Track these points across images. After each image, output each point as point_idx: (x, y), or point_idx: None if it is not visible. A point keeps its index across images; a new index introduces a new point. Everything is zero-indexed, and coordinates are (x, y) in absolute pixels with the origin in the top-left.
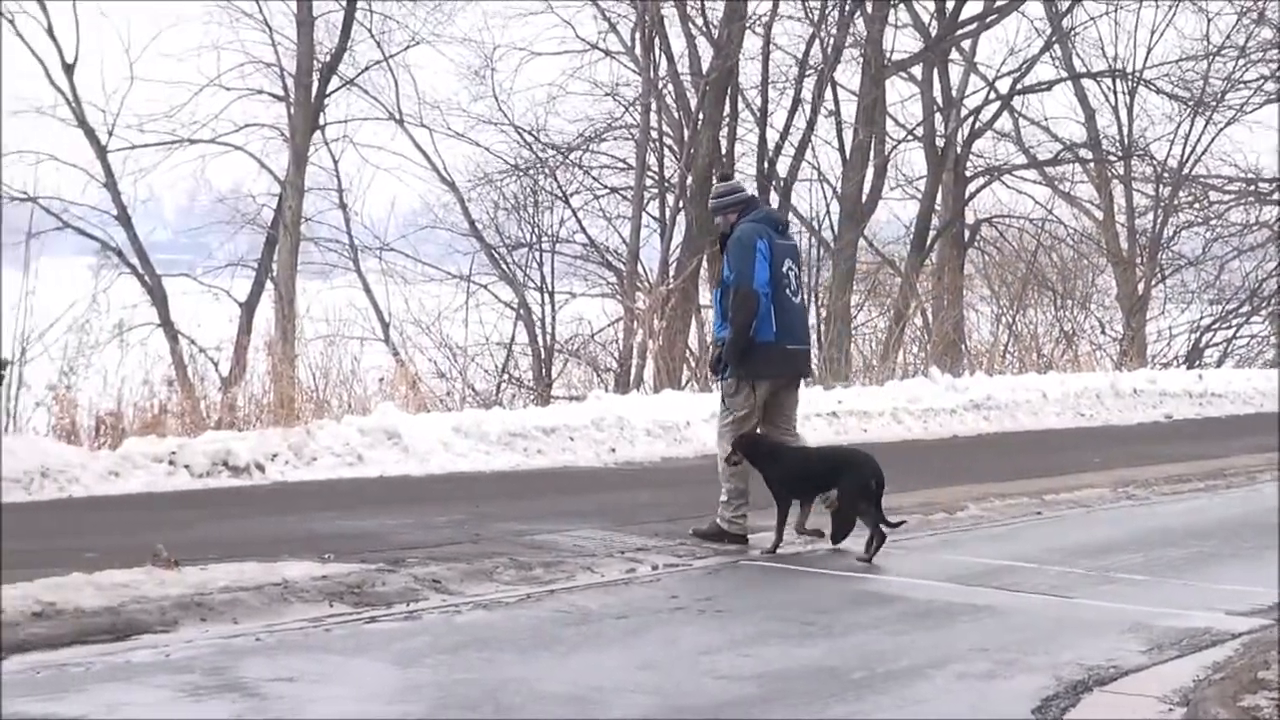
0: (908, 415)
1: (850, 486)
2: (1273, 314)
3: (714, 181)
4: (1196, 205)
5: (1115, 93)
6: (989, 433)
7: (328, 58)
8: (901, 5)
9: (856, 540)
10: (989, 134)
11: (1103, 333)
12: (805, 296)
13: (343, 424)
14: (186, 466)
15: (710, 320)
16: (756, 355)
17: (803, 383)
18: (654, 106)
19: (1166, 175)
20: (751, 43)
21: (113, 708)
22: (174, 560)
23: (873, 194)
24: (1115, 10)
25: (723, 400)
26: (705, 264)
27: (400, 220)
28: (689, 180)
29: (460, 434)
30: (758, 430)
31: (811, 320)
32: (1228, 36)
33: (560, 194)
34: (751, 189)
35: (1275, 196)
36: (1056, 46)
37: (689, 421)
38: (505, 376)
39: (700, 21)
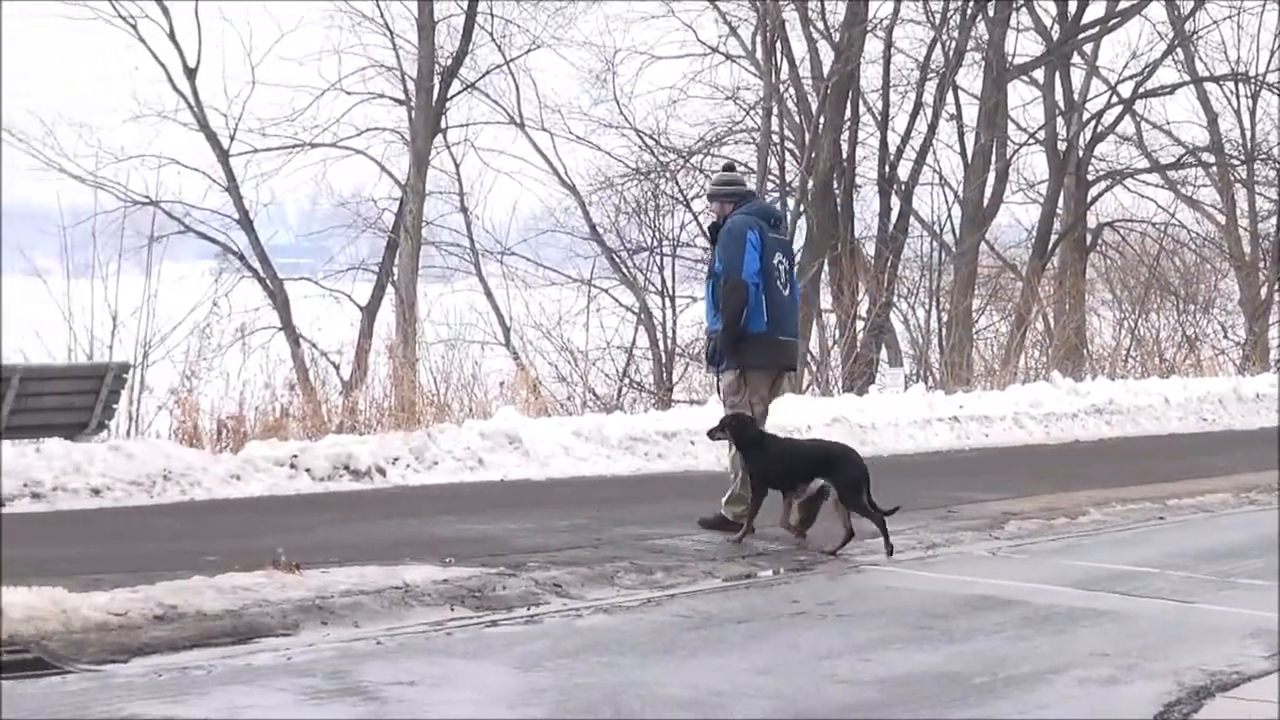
0: (1029, 419)
1: (845, 483)
2: None
3: (746, 173)
4: None
5: (1238, 96)
6: (1111, 437)
7: (449, 61)
8: (1023, 8)
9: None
10: (1111, 138)
11: (1225, 337)
12: (796, 292)
13: (463, 428)
14: (308, 470)
15: (832, 324)
16: (748, 345)
17: (789, 377)
18: (775, 110)
19: None
20: (873, 46)
21: (234, 710)
22: (295, 564)
23: (994, 198)
24: (1238, 13)
25: (723, 397)
26: (826, 268)
27: (521, 224)
28: (810, 184)
29: (581, 438)
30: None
31: (933, 324)
32: None
33: (681, 197)
34: (873, 193)
35: None
36: (1179, 50)
37: (810, 426)
38: (626, 380)
39: (821, 25)
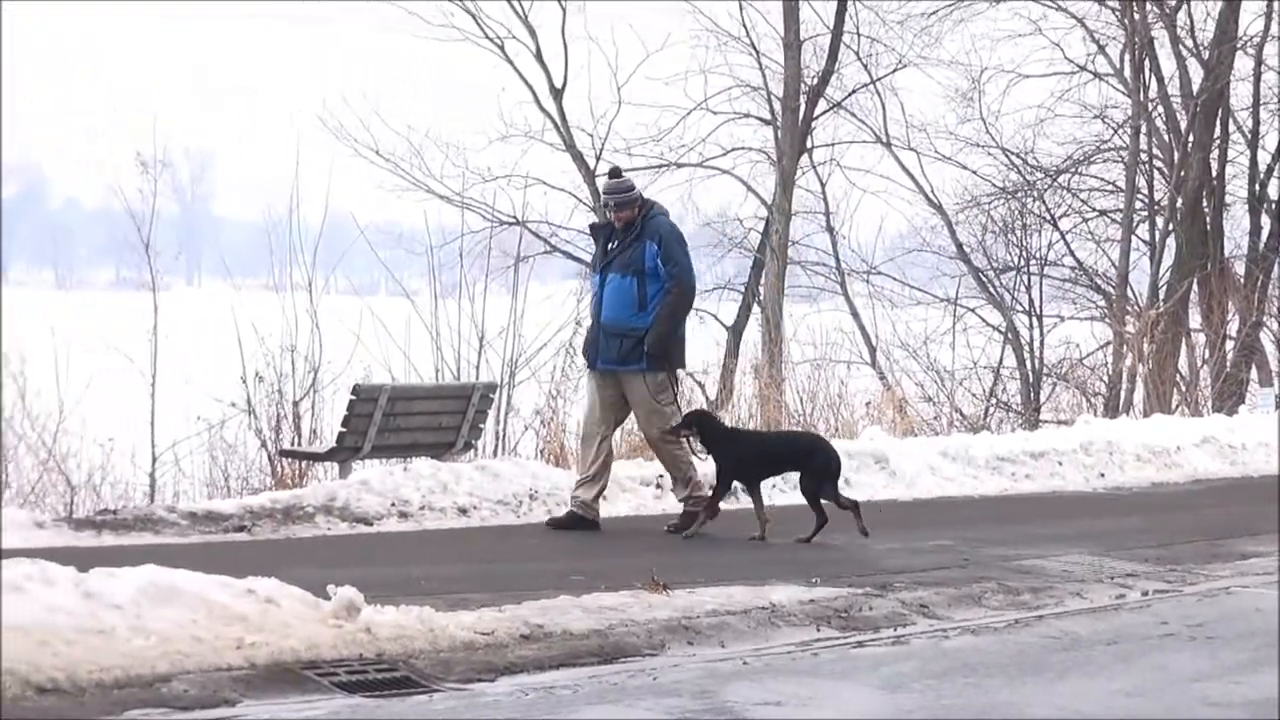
0: None
1: (810, 471)
2: None
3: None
4: None
5: None
6: None
7: (815, 81)
8: None
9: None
10: None
11: None
12: None
13: None
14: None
15: (1201, 344)
16: (675, 348)
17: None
18: (1143, 128)
19: None
20: (1242, 64)
21: None
22: (663, 583)
23: None
24: None
25: (655, 397)
26: (1195, 287)
27: (887, 243)
28: (1179, 203)
29: (948, 458)
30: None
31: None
32: None
33: (1048, 217)
34: (1243, 211)
35: None
36: None
37: (1179, 446)
38: (993, 401)
39: (1190, 42)
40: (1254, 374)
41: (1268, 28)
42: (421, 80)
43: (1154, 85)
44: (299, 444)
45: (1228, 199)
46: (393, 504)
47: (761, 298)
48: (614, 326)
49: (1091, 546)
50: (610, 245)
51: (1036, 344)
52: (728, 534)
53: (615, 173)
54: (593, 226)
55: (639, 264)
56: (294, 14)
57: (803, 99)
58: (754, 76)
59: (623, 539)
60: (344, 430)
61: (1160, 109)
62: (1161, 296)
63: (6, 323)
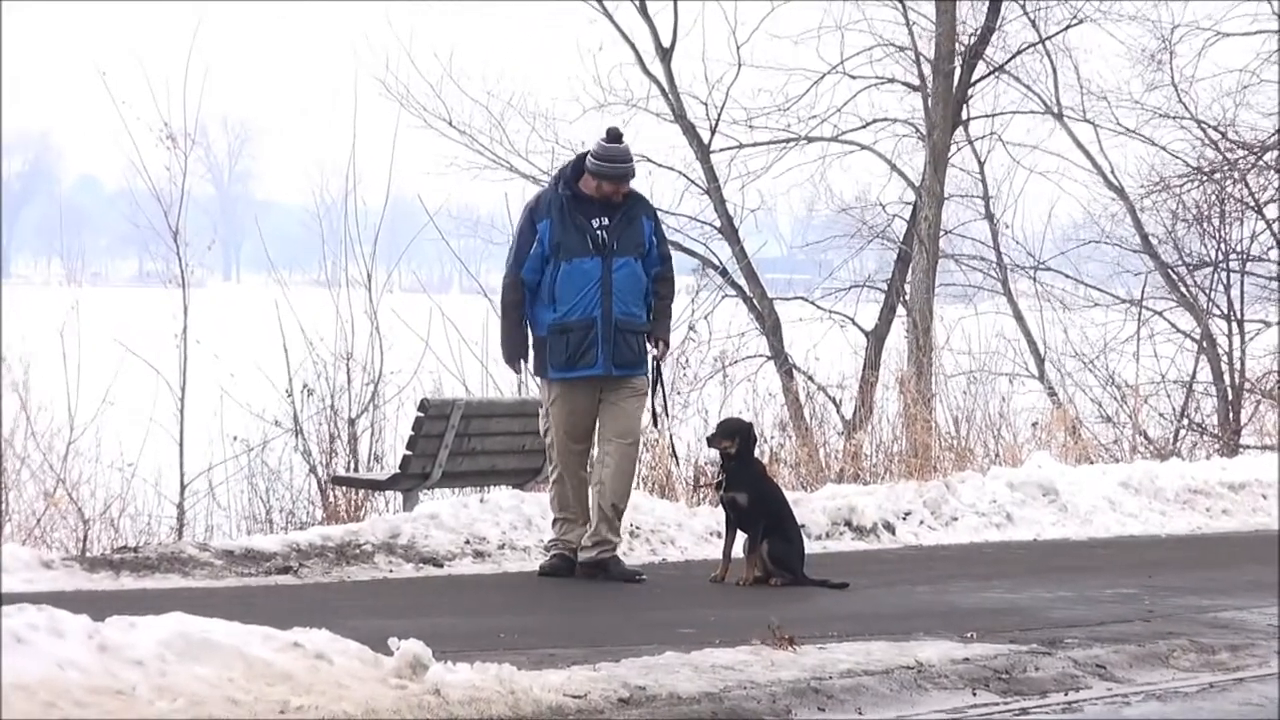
0: None
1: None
2: None
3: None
4: None
5: None
6: None
7: (972, 39)
8: None
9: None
10: None
11: None
12: None
13: (988, 477)
14: (802, 525)
15: None
16: None
17: None
18: None
19: None
20: None
21: None
22: (788, 637)
23: None
24: None
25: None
26: None
27: (1058, 233)
28: None
29: (1129, 490)
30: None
31: None
32: None
33: (1252, 203)
34: None
35: None
36: None
37: None
38: (1184, 421)
39: None
40: None
41: None
42: (503, 39)
43: None
44: (355, 470)
45: None
46: (467, 541)
47: (907, 298)
48: (629, 322)
49: None
50: (597, 223)
51: (1237, 354)
52: (865, 580)
53: (617, 135)
54: (569, 199)
55: (643, 246)
56: None
57: (958, 61)
58: (900, 34)
59: (739, 584)
60: (409, 454)
61: None
62: None
63: (6, 324)
